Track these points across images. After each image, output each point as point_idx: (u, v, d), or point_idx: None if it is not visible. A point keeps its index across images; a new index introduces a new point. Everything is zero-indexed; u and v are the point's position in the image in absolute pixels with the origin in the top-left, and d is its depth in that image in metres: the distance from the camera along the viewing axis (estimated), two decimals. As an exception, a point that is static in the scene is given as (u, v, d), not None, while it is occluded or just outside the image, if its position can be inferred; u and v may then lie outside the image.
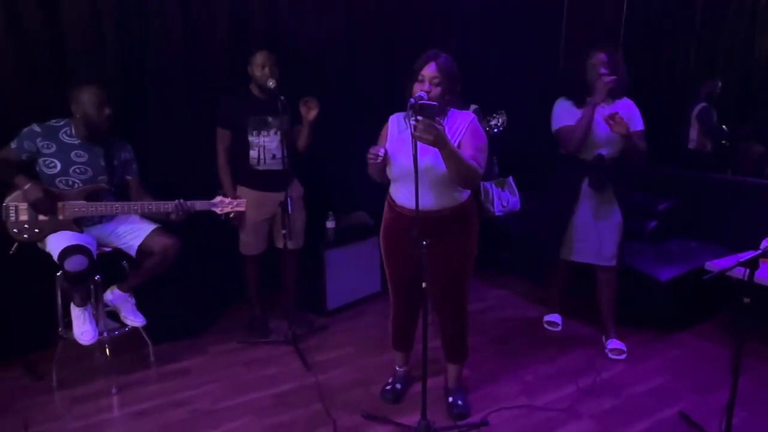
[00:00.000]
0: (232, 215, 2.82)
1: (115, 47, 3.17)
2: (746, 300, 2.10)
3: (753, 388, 2.74)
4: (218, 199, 2.77)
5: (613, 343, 3.12)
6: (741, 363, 2.18)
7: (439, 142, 2.04)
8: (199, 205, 2.74)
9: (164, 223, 2.83)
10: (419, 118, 2.01)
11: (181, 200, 2.70)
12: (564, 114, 3.02)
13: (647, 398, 2.72)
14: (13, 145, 2.64)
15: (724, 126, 4.95)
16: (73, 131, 2.71)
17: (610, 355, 3.09)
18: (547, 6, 4.85)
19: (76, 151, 2.70)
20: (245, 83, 3.17)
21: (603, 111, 2.89)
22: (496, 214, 4.44)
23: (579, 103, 2.99)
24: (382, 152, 2.28)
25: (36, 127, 2.66)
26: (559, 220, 3.11)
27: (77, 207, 2.65)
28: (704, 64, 5.50)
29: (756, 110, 5.56)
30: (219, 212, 2.77)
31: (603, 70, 2.90)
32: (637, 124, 2.94)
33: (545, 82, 4.88)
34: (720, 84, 5.21)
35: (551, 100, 3.12)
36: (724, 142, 4.90)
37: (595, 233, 3.05)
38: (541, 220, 3.35)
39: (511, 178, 4.52)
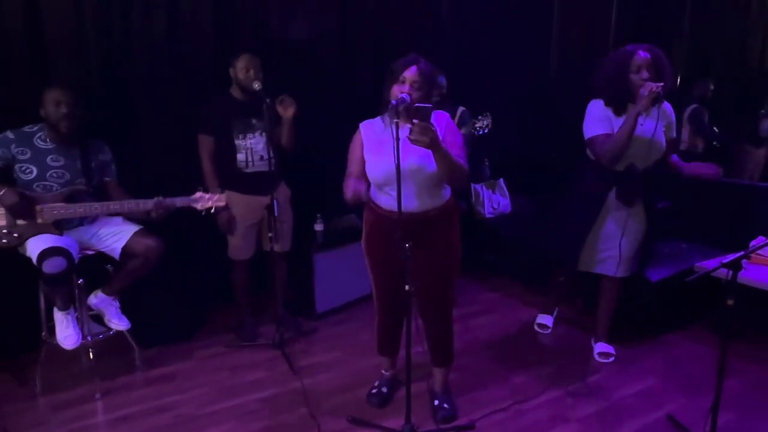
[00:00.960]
0: (213, 211, 2.78)
1: (98, 49, 3.16)
2: (730, 301, 2.08)
3: (741, 390, 2.73)
4: (198, 194, 2.74)
5: (602, 347, 3.09)
6: (727, 365, 2.17)
7: (434, 144, 2.03)
8: (179, 201, 2.71)
9: (146, 224, 2.81)
10: (415, 121, 1.99)
11: (161, 198, 2.67)
12: (600, 121, 2.75)
13: (635, 401, 2.70)
14: None
15: (715, 127, 4.96)
16: (46, 136, 2.70)
17: (598, 359, 3.06)
18: (539, 8, 4.85)
19: (51, 156, 2.68)
20: (225, 87, 3.15)
21: (642, 118, 2.66)
22: (487, 216, 4.44)
23: (618, 109, 2.73)
24: (363, 189, 2.31)
25: (9, 134, 2.65)
26: (581, 232, 2.91)
27: (56, 209, 2.63)
28: (696, 66, 5.51)
29: (745, 111, 5.56)
30: (199, 208, 2.74)
31: (645, 74, 2.61)
32: (674, 131, 2.82)
33: (537, 84, 4.90)
34: (712, 86, 5.22)
35: (543, 102, 3.09)
36: (715, 143, 4.91)
37: (617, 245, 2.86)
38: (561, 227, 3.10)
39: (501, 181, 4.52)
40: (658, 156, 2.77)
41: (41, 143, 2.68)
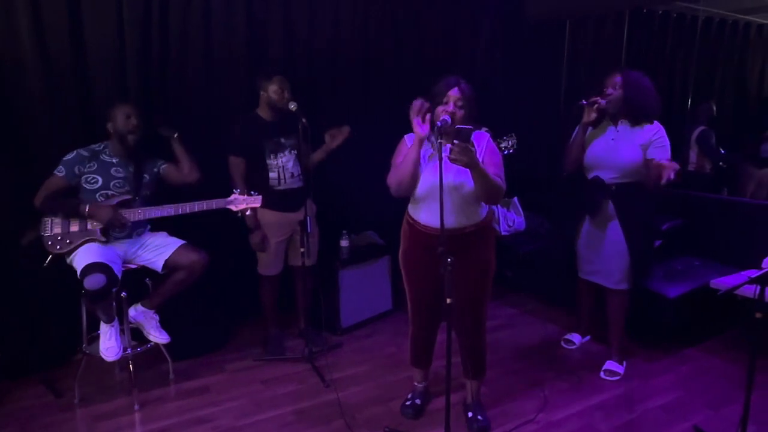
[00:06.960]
0: (248, 212, 2.88)
1: (137, 72, 3.26)
2: (758, 315, 2.18)
3: (763, 403, 2.80)
4: (233, 196, 2.85)
5: (609, 364, 3.13)
6: (754, 377, 2.25)
7: (472, 163, 2.13)
8: (216, 203, 2.81)
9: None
10: (456, 141, 2.10)
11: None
12: (573, 134, 3.07)
13: (661, 413, 2.78)
14: (60, 173, 2.75)
15: (721, 149, 5.09)
16: (111, 151, 2.86)
17: (603, 376, 3.09)
18: (551, 33, 5.01)
19: (114, 168, 2.85)
20: (252, 107, 3.24)
21: (621, 134, 2.87)
22: (503, 234, 4.53)
23: (593, 123, 2.95)
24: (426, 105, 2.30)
25: (83, 152, 2.80)
26: (571, 237, 3.23)
27: (128, 214, 2.76)
28: (702, 89, 5.67)
29: (747, 134, 5.72)
30: (234, 209, 2.84)
31: (611, 91, 2.84)
32: (656, 153, 2.82)
33: (547, 105, 5.05)
34: (714, 107, 5.37)
35: (552, 122, 3.24)
36: (721, 164, 5.04)
37: (597, 255, 3.06)
38: (556, 240, 3.43)
39: (516, 199, 4.62)
40: (627, 172, 2.88)
41: (106, 157, 2.85)
